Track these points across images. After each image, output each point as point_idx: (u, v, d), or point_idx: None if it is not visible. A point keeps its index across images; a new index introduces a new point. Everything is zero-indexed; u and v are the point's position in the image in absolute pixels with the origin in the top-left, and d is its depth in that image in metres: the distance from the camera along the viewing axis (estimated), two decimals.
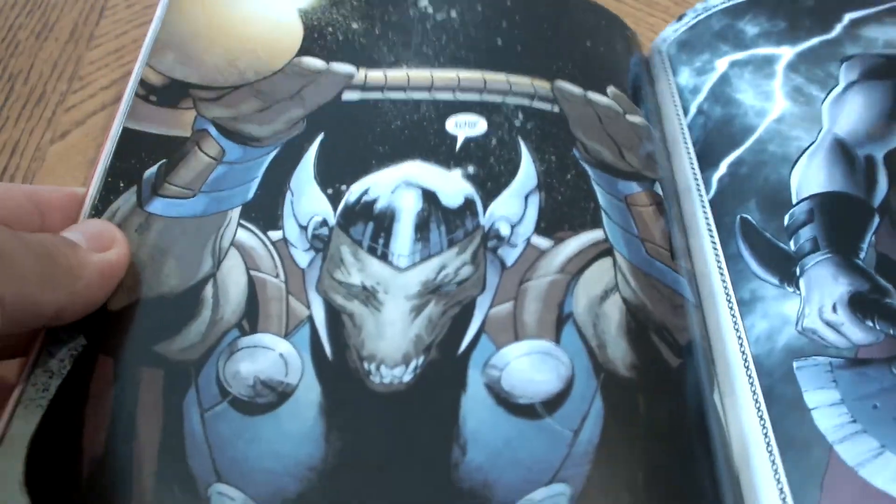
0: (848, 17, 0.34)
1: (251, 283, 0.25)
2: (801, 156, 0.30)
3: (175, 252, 0.25)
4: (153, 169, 0.27)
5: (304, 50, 0.32)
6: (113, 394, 0.22)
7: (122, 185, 0.27)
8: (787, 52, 0.34)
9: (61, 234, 0.24)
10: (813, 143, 0.30)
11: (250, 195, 0.27)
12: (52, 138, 0.37)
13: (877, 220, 0.28)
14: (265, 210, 0.27)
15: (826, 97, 0.32)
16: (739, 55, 0.34)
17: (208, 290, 0.25)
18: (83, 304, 0.23)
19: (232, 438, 0.22)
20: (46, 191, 0.26)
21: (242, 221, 0.26)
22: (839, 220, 0.28)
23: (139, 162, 0.28)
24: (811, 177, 0.29)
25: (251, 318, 0.24)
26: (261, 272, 0.25)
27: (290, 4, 0.33)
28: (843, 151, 0.30)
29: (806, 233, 0.28)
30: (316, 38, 0.32)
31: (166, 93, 0.30)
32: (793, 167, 0.30)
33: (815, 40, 0.34)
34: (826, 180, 0.29)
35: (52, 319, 0.22)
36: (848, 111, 0.31)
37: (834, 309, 0.26)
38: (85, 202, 0.27)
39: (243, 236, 0.26)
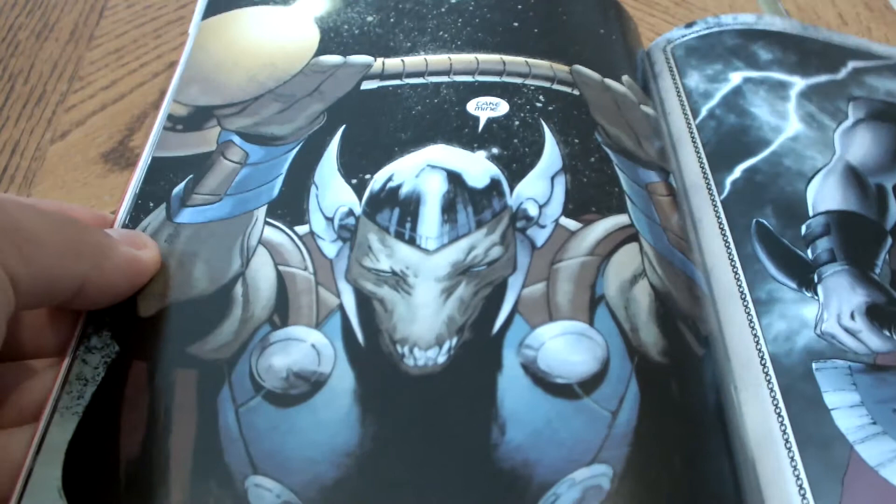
0: (851, 65, 0.36)
1: (280, 278, 0.25)
2: (815, 174, 0.31)
3: (204, 255, 0.25)
4: (181, 185, 0.27)
5: (321, 51, 0.32)
6: (147, 397, 0.22)
7: (151, 204, 0.27)
8: (798, 82, 0.35)
9: None
10: (827, 164, 0.31)
11: (275, 193, 0.27)
12: (52, 138, 0.36)
13: (890, 241, 0.29)
14: (291, 206, 0.27)
15: (837, 127, 0.33)
16: (754, 74, 0.35)
17: (238, 288, 0.25)
18: (108, 288, 0.23)
19: (267, 431, 0.22)
20: (75, 209, 0.25)
21: (269, 219, 0.26)
22: (854, 236, 0.29)
23: (167, 183, 0.28)
24: (826, 195, 0.30)
25: (282, 312, 0.24)
26: (289, 266, 0.25)
27: (306, 14, 0.33)
28: (855, 176, 0.31)
29: (823, 244, 0.29)
30: (332, 38, 0.32)
31: (191, 120, 0.30)
32: (808, 183, 0.31)
33: (823, 77, 0.35)
34: (841, 200, 0.30)
35: (72, 298, 0.21)
36: (857, 145, 0.32)
37: (852, 317, 0.27)
38: (115, 223, 0.26)
39: (270, 233, 0.26)
